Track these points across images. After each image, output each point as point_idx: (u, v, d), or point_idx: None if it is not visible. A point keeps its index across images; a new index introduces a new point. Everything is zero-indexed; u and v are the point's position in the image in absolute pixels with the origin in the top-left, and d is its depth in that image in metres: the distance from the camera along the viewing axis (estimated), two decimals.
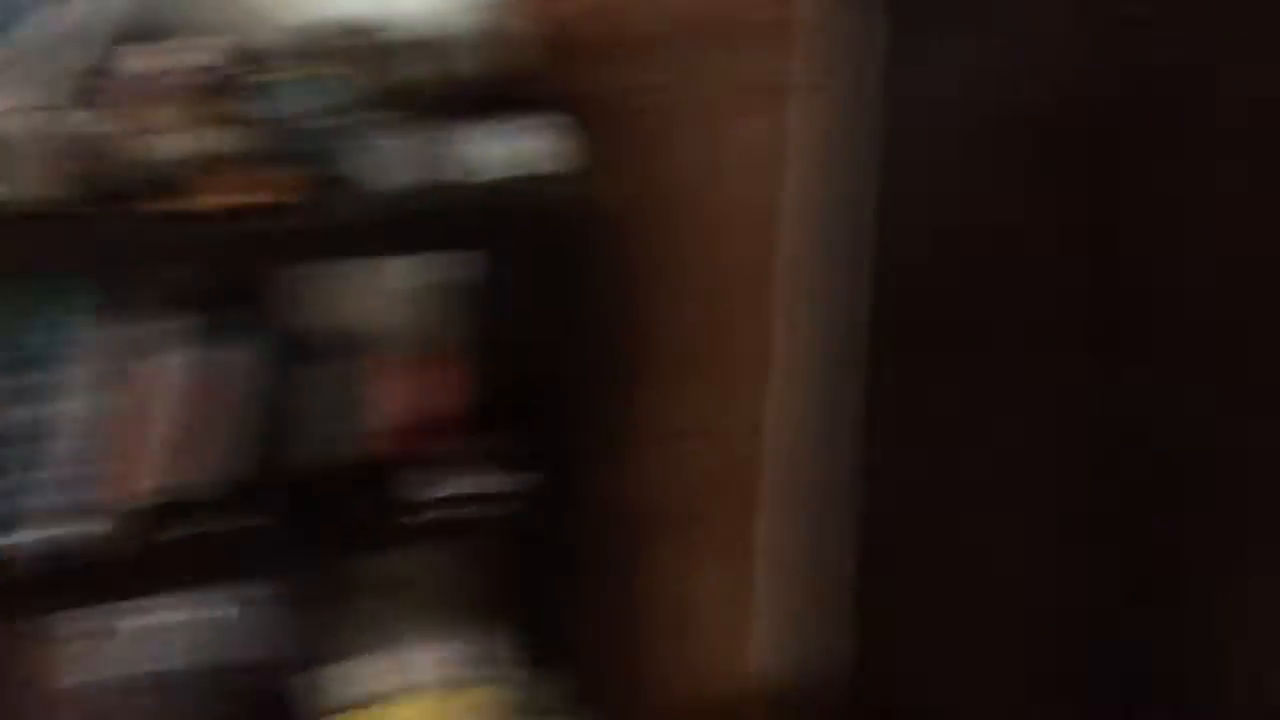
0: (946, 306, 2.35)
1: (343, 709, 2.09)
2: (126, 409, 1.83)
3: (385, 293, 2.17)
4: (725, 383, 2.56)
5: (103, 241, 1.64)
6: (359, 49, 2.03)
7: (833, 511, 2.66)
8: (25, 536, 1.74)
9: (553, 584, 2.20)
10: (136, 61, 1.69)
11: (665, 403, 2.49)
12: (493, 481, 2.05)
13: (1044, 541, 2.16)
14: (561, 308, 2.03)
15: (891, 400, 2.53)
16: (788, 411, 2.64)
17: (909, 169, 2.46)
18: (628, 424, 2.40)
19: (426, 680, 2.20)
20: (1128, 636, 2.00)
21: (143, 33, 1.77)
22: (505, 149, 1.93)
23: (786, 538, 2.71)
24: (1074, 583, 2.10)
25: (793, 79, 2.45)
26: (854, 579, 2.66)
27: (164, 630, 2.05)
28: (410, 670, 2.21)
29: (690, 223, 2.44)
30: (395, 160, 1.86)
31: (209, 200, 1.71)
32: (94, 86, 1.74)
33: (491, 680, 2.23)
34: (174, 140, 1.73)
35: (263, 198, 1.73)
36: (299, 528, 1.91)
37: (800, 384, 2.63)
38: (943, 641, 2.45)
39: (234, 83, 1.84)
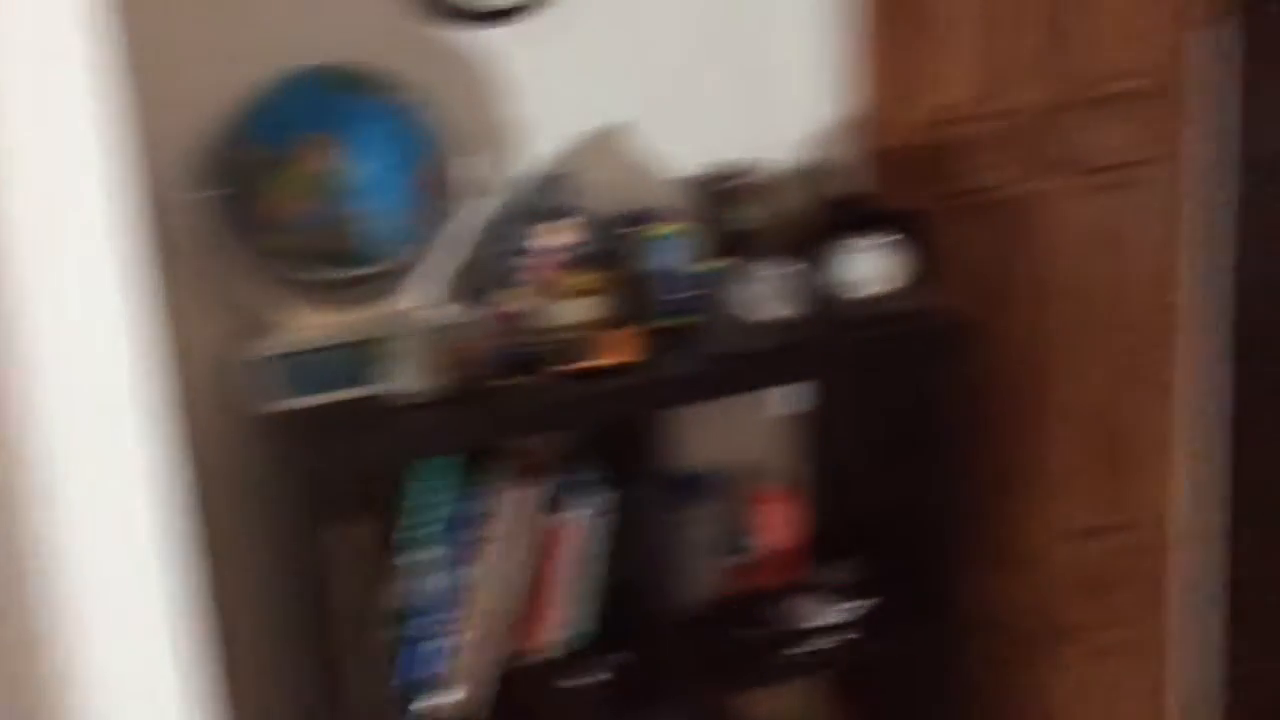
0: None
1: None
2: (534, 566, 1.92)
3: (756, 424, 2.22)
4: (1118, 476, 2.48)
5: (512, 411, 1.74)
6: (708, 199, 2.12)
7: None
8: (441, 699, 1.84)
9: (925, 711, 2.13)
10: (537, 241, 1.81)
11: (1044, 507, 2.42)
12: (845, 609, 2.03)
13: None
14: (923, 424, 2.00)
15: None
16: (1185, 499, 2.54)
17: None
18: (1000, 534, 2.34)
19: None
20: None
21: (531, 217, 1.90)
22: (858, 271, 1.95)
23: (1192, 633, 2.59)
24: None
25: (1141, 153, 2.39)
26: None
27: None
28: None
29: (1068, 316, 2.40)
30: (763, 294, 1.90)
31: (603, 359, 1.79)
32: (499, 271, 1.89)
33: None
34: (570, 308, 1.84)
35: (642, 350, 1.81)
36: (680, 665, 1.93)
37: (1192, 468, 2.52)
38: None
39: (611, 248, 1.95)
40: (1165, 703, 2.64)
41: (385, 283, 1.87)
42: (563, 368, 1.78)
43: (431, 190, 1.84)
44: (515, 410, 1.73)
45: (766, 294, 1.86)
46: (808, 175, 2.09)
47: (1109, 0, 2.33)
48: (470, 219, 1.92)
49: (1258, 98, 2.39)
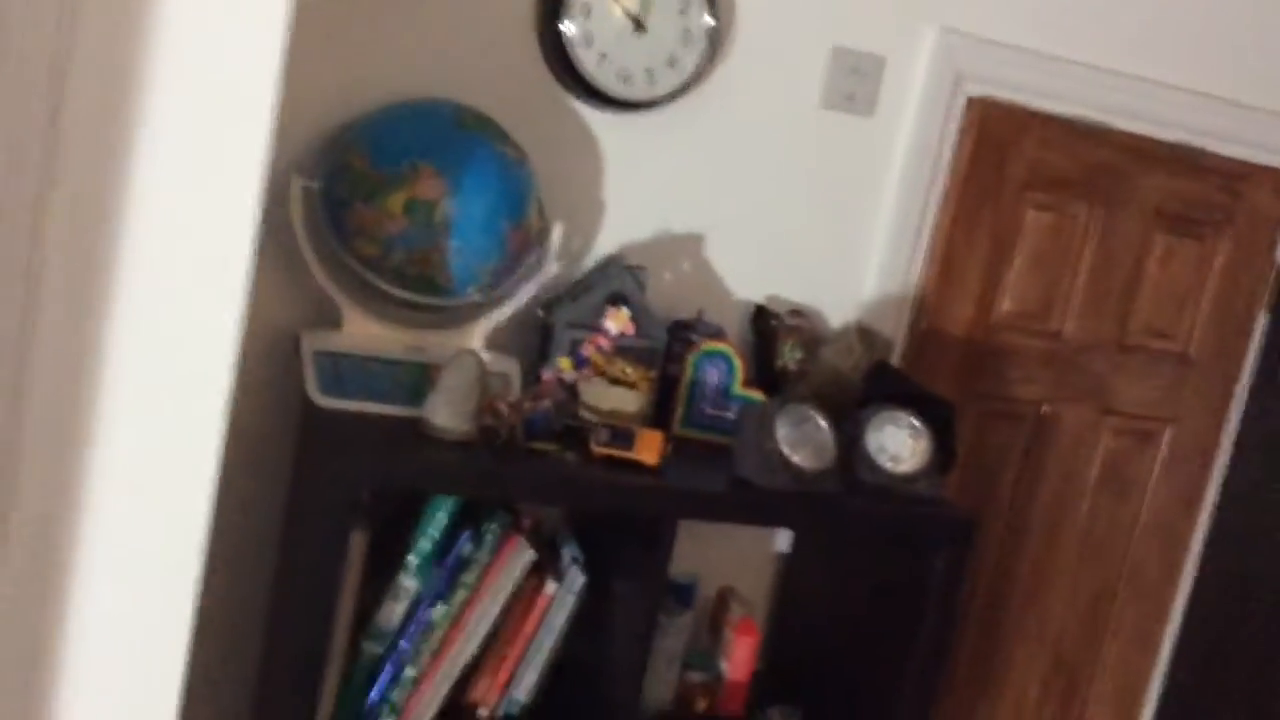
0: None
1: None
2: (505, 623, 1.95)
3: (746, 552, 2.27)
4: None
5: (534, 477, 1.79)
6: (762, 330, 2.20)
7: None
8: None
9: None
10: (595, 321, 1.88)
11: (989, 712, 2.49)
12: None
13: None
14: (895, 602, 2.06)
15: None
16: None
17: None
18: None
19: None
20: None
21: (596, 297, 1.98)
22: (885, 444, 2.01)
23: None
24: None
25: (1166, 410, 2.50)
26: None
27: None
28: None
29: (1043, 535, 2.48)
30: (791, 437, 1.96)
31: (631, 453, 1.84)
32: (555, 339, 1.95)
33: None
34: (611, 394, 1.90)
35: (667, 454, 1.86)
36: None
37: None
38: None
39: (661, 349, 2.02)
40: None
41: (453, 317, 1.94)
42: (592, 448, 1.83)
43: (517, 244, 1.91)
44: (538, 476, 1.77)
45: (795, 438, 1.93)
46: (859, 337, 2.17)
47: (1173, 264, 2.46)
48: (542, 280, 1.99)
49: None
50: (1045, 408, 2.45)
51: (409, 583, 1.84)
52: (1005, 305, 2.39)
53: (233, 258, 1.41)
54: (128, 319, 1.39)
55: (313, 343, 1.85)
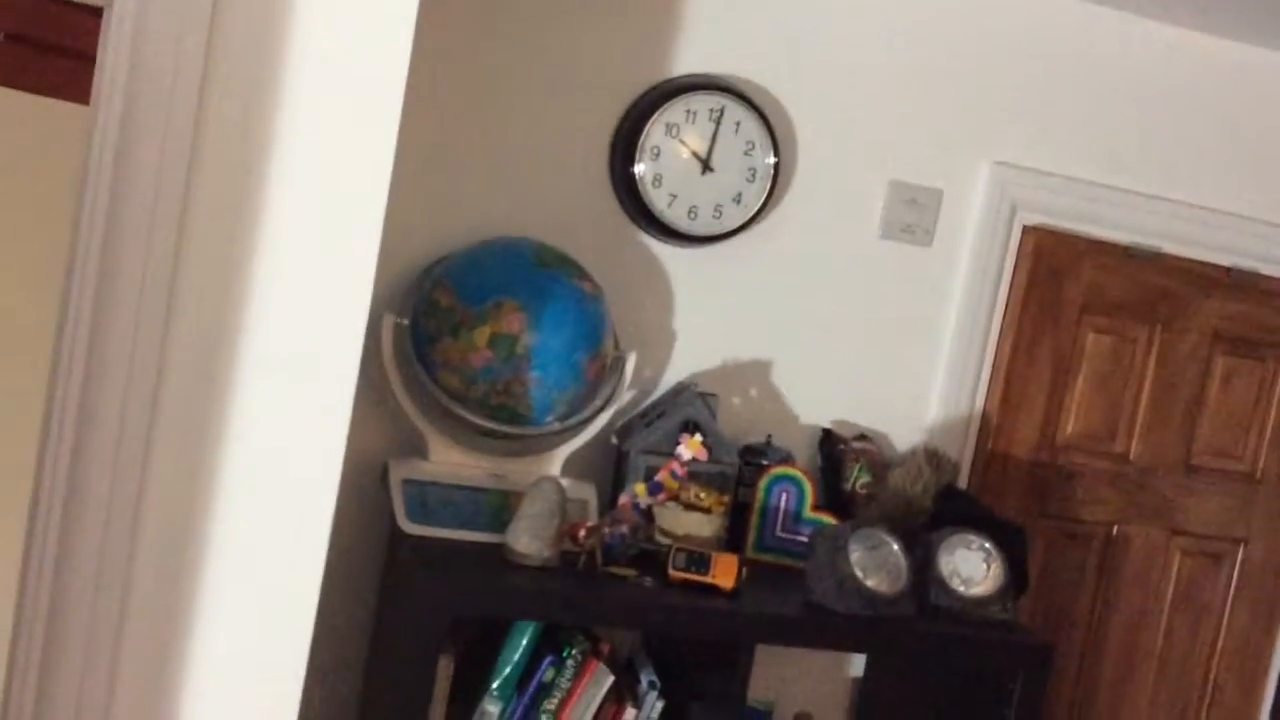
0: None
1: None
2: None
3: (821, 679, 2.28)
4: None
5: (614, 601, 1.83)
6: (830, 454, 2.24)
7: None
8: None
9: None
10: (681, 449, 1.93)
11: None
12: None
13: None
14: None
15: None
16: None
17: None
18: None
19: None
20: None
21: (670, 423, 2.04)
22: (957, 568, 2.03)
23: None
24: None
25: (1236, 530, 2.50)
26: None
27: None
28: None
29: (1120, 659, 2.46)
30: (863, 561, 1.98)
31: (708, 577, 1.88)
32: (631, 465, 2.01)
33: None
34: (686, 518, 1.95)
35: (741, 578, 1.89)
36: None
37: None
38: None
39: (732, 474, 2.07)
40: None
41: (533, 445, 2.01)
42: (669, 573, 1.87)
43: (594, 374, 1.99)
44: (618, 601, 1.81)
45: (869, 561, 1.95)
46: (926, 460, 2.20)
47: (1234, 385, 2.50)
48: (617, 408, 2.06)
49: None
50: (1115, 529, 2.46)
51: (492, 708, 1.87)
52: (1069, 427, 2.42)
53: (337, 395, 1.49)
54: (236, 453, 1.48)
55: (400, 471, 1.92)
